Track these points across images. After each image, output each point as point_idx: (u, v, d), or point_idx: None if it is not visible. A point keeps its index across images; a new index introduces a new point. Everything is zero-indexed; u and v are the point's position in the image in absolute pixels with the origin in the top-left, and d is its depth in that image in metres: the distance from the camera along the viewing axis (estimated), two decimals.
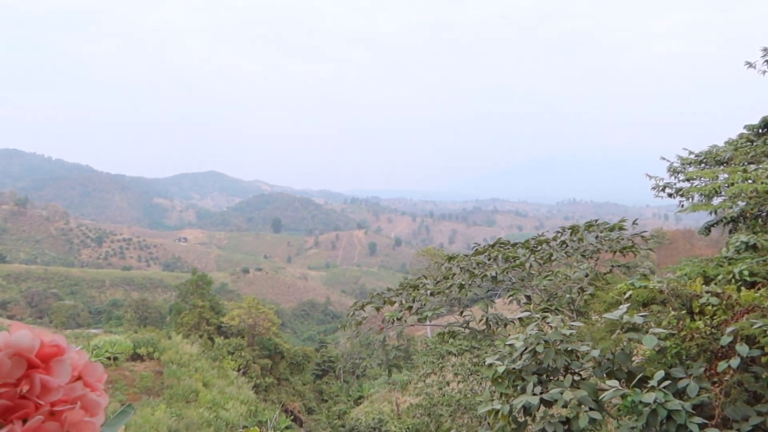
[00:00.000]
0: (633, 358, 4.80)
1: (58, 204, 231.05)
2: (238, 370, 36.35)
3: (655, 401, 4.09)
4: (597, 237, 7.63)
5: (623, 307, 4.80)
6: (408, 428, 15.24)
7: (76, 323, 72.79)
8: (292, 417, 34.20)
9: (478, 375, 13.93)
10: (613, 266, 7.26)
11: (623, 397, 4.27)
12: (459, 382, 14.57)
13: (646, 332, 4.50)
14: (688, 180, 9.56)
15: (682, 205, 9.42)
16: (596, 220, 8.04)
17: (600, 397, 4.50)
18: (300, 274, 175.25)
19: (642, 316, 4.70)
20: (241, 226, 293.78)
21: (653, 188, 10.19)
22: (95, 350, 30.42)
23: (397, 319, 7.02)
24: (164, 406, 25.31)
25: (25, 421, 0.96)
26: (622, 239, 7.62)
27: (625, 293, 5.45)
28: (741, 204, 8.18)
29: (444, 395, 14.98)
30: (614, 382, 4.39)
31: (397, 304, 7.52)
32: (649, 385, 4.26)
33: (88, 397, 1.03)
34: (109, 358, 30.17)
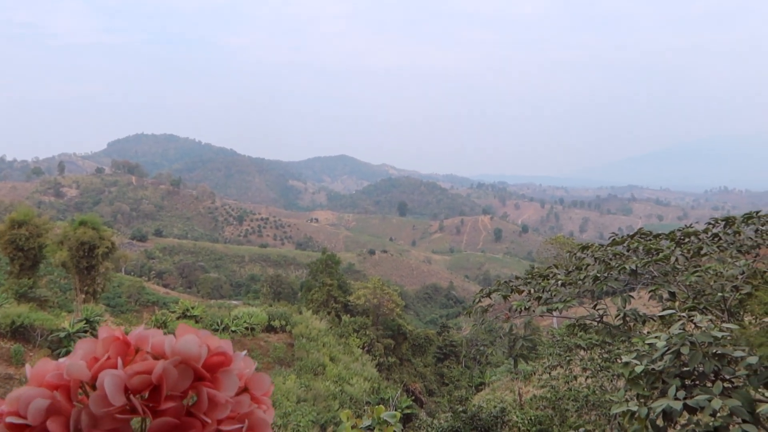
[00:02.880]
0: None
1: (206, 185, 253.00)
2: (363, 348, 37.66)
3: None
4: (757, 231, 6.81)
5: None
6: (531, 420, 14.86)
7: (219, 294, 79.39)
8: (413, 397, 34.81)
9: (608, 371, 13.22)
10: None
11: None
12: (587, 377, 13.93)
13: None
14: None
15: None
16: (757, 212, 7.17)
17: (757, 410, 4.01)
18: (424, 258, 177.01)
19: None
20: (369, 208, 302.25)
21: None
22: (235, 320, 33.08)
23: (525, 308, 6.78)
24: (294, 376, 26.96)
25: None
26: None
27: None
28: None
29: (570, 389, 14.41)
30: None
31: (524, 293, 7.27)
32: None
33: (255, 415, 0.91)
34: (247, 328, 32.69)
